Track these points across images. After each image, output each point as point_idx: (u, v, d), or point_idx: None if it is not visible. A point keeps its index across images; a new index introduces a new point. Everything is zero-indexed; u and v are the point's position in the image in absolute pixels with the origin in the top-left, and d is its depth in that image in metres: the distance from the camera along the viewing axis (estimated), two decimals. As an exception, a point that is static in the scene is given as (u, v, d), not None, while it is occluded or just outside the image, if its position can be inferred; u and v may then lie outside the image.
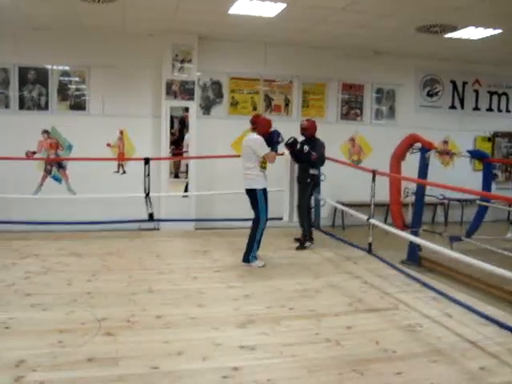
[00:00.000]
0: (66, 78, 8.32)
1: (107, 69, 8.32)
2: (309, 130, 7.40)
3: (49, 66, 8.24)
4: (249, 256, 6.14)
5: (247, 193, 6.26)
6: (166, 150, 8.44)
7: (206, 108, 8.75)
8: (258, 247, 6.25)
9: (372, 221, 6.42)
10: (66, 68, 8.32)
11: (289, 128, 8.71)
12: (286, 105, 9.15)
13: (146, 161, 7.65)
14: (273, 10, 7.02)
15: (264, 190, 6.22)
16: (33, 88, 8.23)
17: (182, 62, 8.32)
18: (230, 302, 4.74)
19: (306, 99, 9.26)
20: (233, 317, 4.33)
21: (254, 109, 8.91)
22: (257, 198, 6.16)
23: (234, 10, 7.01)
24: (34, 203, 7.93)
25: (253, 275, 5.70)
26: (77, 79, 8.36)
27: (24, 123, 8.12)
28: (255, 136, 6.22)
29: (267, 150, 6.13)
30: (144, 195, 7.59)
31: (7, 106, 8.17)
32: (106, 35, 8.20)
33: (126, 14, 7.26)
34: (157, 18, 7.55)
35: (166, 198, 8.37)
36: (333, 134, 9.04)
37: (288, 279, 5.58)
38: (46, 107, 8.26)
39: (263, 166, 6.22)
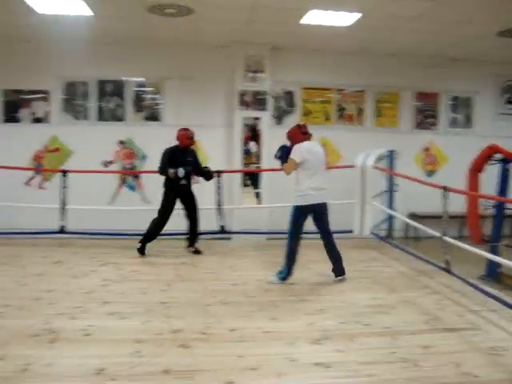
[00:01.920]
0: (142, 90, 8.58)
1: (181, 80, 8.54)
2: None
3: (125, 79, 8.54)
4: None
5: (322, 207, 5.91)
6: (238, 160, 8.53)
7: (279, 118, 8.78)
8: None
9: (445, 238, 6.13)
10: (142, 80, 8.58)
11: (361, 137, 8.70)
12: (359, 114, 9.03)
13: (218, 173, 7.76)
14: (347, 20, 6.99)
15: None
16: (110, 100, 8.55)
17: (255, 72, 8.39)
18: (303, 316, 4.69)
19: (378, 108, 9.12)
20: (307, 332, 4.28)
21: (327, 118, 8.87)
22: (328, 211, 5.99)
23: (306, 20, 7.02)
24: (110, 211, 8.23)
25: (325, 289, 5.64)
26: (152, 91, 8.61)
27: (101, 134, 8.45)
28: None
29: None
30: (216, 207, 7.69)
31: (86, 118, 8.52)
32: (179, 47, 8.44)
33: (200, 26, 7.44)
34: (230, 30, 7.67)
35: (238, 209, 8.44)
36: (407, 144, 8.91)
37: (361, 293, 5.48)
38: (123, 118, 8.55)
39: None
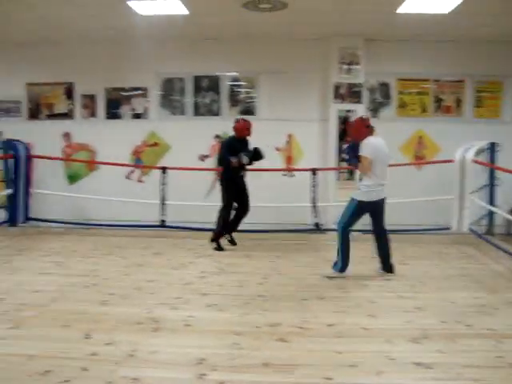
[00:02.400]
0: (236, 85, 8.71)
1: (275, 74, 8.58)
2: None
3: (220, 74, 8.69)
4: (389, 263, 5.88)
5: (382, 203, 5.74)
6: (333, 154, 8.44)
7: (374, 110, 8.62)
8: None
9: None
10: (236, 75, 8.71)
11: (460, 130, 8.35)
12: (457, 105, 8.68)
13: (313, 171, 7.74)
14: (446, 7, 6.71)
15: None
16: (206, 95, 8.74)
17: (349, 64, 8.28)
18: (401, 313, 4.60)
19: (479, 98, 8.70)
20: (405, 330, 4.19)
21: (423, 110, 8.60)
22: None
23: (402, 9, 6.82)
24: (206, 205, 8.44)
25: (424, 285, 5.49)
26: (246, 85, 8.72)
27: (198, 129, 8.66)
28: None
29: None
30: (311, 205, 7.68)
31: (183, 113, 8.77)
32: (273, 41, 8.46)
33: (293, 20, 7.41)
34: (324, 22, 7.60)
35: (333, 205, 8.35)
36: (509, 135, 8.42)
37: (461, 292, 5.28)
38: (218, 113, 8.72)
39: None
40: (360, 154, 5.60)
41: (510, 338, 4.05)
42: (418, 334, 4.09)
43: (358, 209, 5.68)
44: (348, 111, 8.80)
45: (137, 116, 8.88)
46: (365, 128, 5.76)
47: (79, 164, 8.95)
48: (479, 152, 7.73)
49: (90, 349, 3.73)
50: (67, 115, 8.98)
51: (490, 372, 3.46)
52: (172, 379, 3.36)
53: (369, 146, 5.59)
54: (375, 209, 5.74)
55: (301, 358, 3.66)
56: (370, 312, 4.62)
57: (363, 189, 5.64)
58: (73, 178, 9.00)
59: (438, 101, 8.68)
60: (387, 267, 5.91)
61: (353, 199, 5.70)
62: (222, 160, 7.14)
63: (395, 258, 6.40)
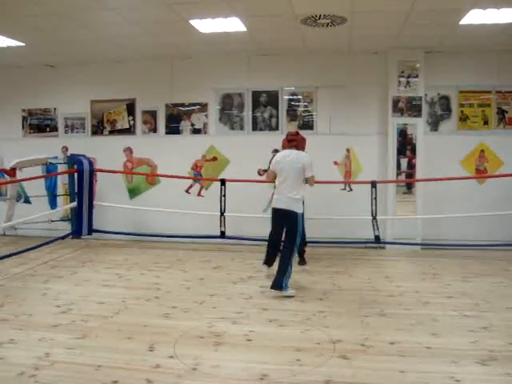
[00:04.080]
0: (295, 99, 8.75)
1: (333, 88, 8.58)
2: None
3: (278, 89, 8.76)
4: (282, 283, 5.55)
5: (282, 213, 5.78)
6: (393, 168, 8.33)
7: (433, 124, 8.47)
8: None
9: None
10: (294, 90, 8.75)
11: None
12: (523, 117, 8.42)
13: (373, 184, 7.69)
14: (510, 16, 6.54)
15: (303, 215, 5.92)
16: (264, 110, 8.82)
17: (408, 77, 8.18)
18: (466, 332, 4.47)
19: (547, 110, 8.41)
20: (471, 350, 4.07)
21: (485, 123, 8.39)
22: (296, 221, 5.73)
23: (465, 20, 6.70)
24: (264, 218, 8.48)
25: (489, 304, 5.30)
26: (304, 100, 8.75)
27: (256, 143, 8.73)
28: (304, 154, 5.91)
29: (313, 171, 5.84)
30: (371, 218, 7.63)
31: (242, 128, 8.88)
32: (331, 56, 8.48)
33: (352, 34, 7.40)
34: (382, 36, 7.54)
35: (393, 219, 8.28)
36: None
37: (531, 312, 5.10)
38: (277, 128, 8.78)
39: None
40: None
41: None
42: (485, 356, 3.96)
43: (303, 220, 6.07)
44: (405, 125, 8.67)
45: (196, 131, 9.04)
46: (286, 141, 6.13)
47: (140, 178, 9.18)
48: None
49: (153, 361, 3.83)
50: (129, 131, 9.25)
51: None
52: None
53: (273, 159, 6.01)
54: (275, 217, 5.97)
55: (363, 376, 3.63)
56: (433, 330, 4.52)
57: (302, 200, 5.86)
58: (133, 192, 9.24)
59: (502, 112, 8.45)
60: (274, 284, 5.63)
61: (299, 214, 5.79)
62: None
63: (459, 274, 6.27)
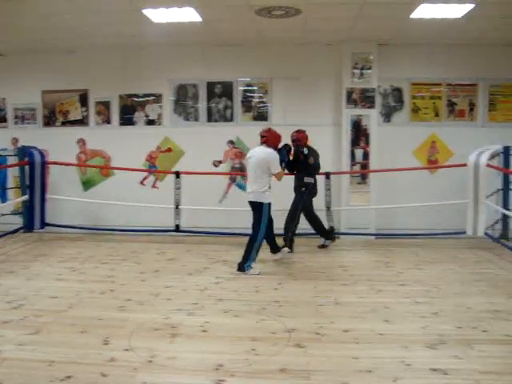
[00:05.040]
0: (249, 90, 8.76)
1: (288, 80, 8.61)
2: (300, 142, 7.15)
3: (233, 80, 8.74)
4: (244, 265, 6.17)
5: (251, 204, 6.30)
6: (347, 159, 8.47)
7: (387, 115, 8.62)
8: (256, 257, 6.32)
9: None
10: (249, 81, 8.76)
11: (474, 134, 8.34)
12: (471, 109, 8.66)
13: (327, 175, 7.80)
14: (459, 11, 6.72)
15: (269, 205, 6.25)
16: (219, 101, 8.79)
17: (362, 69, 8.29)
18: (417, 319, 4.60)
19: (493, 102, 8.67)
20: (422, 335, 4.20)
21: (436, 114, 8.60)
22: (261, 212, 6.18)
23: (416, 14, 6.84)
24: (220, 210, 8.53)
25: (439, 291, 5.47)
26: (259, 91, 8.76)
27: (211, 134, 8.72)
28: (269, 150, 6.29)
29: (279, 167, 6.28)
30: (325, 208, 7.75)
31: (196, 119, 8.83)
32: (286, 47, 8.51)
33: (307, 26, 7.45)
34: (336, 28, 7.63)
35: (347, 209, 8.42)
36: (524, 139, 8.40)
37: (477, 297, 5.26)
38: (231, 119, 8.77)
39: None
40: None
41: (526, 344, 4.04)
42: (435, 340, 4.09)
43: (269, 209, 6.35)
44: (359, 116, 8.80)
45: (150, 122, 8.94)
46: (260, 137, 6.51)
47: (94, 170, 9.03)
48: (493, 156, 7.71)
49: (108, 354, 3.79)
50: (82, 122, 9.08)
51: (508, 379, 3.45)
52: (190, 385, 3.41)
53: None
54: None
55: (317, 363, 3.69)
56: (385, 317, 4.63)
57: (268, 192, 6.30)
58: (87, 185, 9.08)
59: (451, 105, 8.67)
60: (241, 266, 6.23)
61: (265, 203, 6.26)
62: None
63: (411, 262, 6.43)
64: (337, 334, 4.25)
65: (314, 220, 7.39)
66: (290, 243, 7.00)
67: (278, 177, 6.31)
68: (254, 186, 6.25)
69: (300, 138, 7.24)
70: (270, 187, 6.26)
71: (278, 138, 6.53)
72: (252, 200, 6.28)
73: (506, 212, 7.72)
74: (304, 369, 3.60)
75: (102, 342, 4.02)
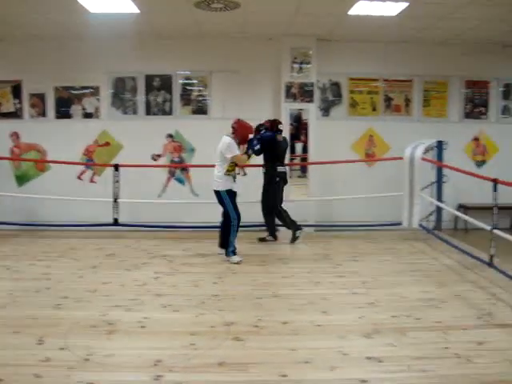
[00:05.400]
0: (189, 84, 8.70)
1: (228, 73, 8.60)
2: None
3: (172, 73, 8.66)
4: (227, 253, 6.47)
5: (214, 193, 6.49)
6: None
7: (325, 110, 8.76)
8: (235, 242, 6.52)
9: (495, 232, 5.77)
10: (189, 74, 8.70)
11: (409, 129, 8.60)
12: (406, 105, 8.91)
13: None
14: (394, 9, 6.89)
15: (228, 191, 6.43)
16: (158, 94, 8.69)
17: (301, 64, 8.38)
18: (354, 309, 4.71)
19: (427, 98, 8.96)
20: (358, 325, 4.30)
21: (374, 109, 8.81)
22: (222, 198, 6.42)
23: (353, 11, 6.97)
24: (159, 204, 8.46)
25: (375, 281, 5.62)
26: (199, 84, 8.72)
27: (150, 128, 8.63)
28: (226, 138, 6.43)
29: (236, 153, 6.38)
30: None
31: (135, 112, 8.70)
32: (225, 41, 8.49)
33: (246, 19, 7.46)
34: (276, 23, 7.67)
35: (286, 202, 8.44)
36: (456, 134, 8.78)
37: (411, 287, 5.44)
38: (170, 112, 8.69)
39: (229, 170, 6.40)
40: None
41: (455, 330, 4.21)
42: (370, 329, 4.20)
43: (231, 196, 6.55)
44: (300, 110, 8.92)
45: (88, 115, 8.74)
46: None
47: (28, 165, 8.75)
48: (427, 150, 7.97)
49: (43, 354, 3.67)
50: (15, 114, 8.75)
51: (438, 363, 3.59)
52: (128, 382, 3.37)
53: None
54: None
55: (256, 356, 3.71)
56: (323, 309, 4.71)
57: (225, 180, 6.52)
58: (22, 179, 8.79)
59: (388, 100, 8.89)
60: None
61: (225, 191, 6.47)
62: None
63: (349, 254, 6.58)
64: (275, 326, 4.29)
65: (275, 213, 7.49)
66: (294, 226, 7.43)
67: (239, 161, 6.48)
68: (214, 174, 6.46)
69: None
70: (227, 175, 6.40)
71: (246, 128, 6.60)
72: (213, 188, 6.47)
73: (440, 204, 7.99)
74: (242, 362, 3.61)
75: (37, 342, 3.89)
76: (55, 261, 6.51)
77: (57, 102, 8.71)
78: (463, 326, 4.33)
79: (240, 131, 6.51)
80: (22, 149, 8.76)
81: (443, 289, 5.39)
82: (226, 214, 6.51)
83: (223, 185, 6.40)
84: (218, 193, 6.42)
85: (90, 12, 6.87)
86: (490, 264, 5.90)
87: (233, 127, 6.53)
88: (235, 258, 6.41)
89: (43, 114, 8.74)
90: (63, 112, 8.74)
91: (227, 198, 6.41)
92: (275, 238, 7.61)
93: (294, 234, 7.48)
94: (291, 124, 8.96)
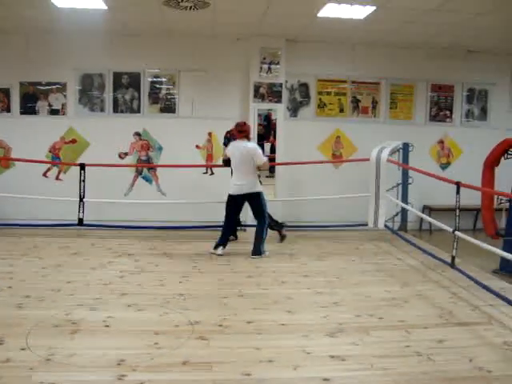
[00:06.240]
0: (157, 82, 8.65)
1: (196, 72, 8.59)
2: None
3: (140, 71, 8.60)
4: (260, 249, 6.68)
5: (245, 197, 6.63)
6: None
7: (294, 110, 8.81)
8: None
9: (457, 233, 5.95)
10: (157, 72, 8.65)
11: (376, 130, 8.72)
12: (374, 107, 9.02)
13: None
14: (362, 13, 6.99)
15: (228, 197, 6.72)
16: (126, 92, 8.63)
17: (270, 64, 8.42)
18: (318, 308, 4.76)
19: (393, 101, 9.09)
20: (322, 325, 4.35)
21: (341, 110, 8.90)
22: (260, 200, 6.67)
23: (322, 13, 7.03)
24: (126, 203, 8.39)
25: (340, 281, 5.69)
26: (167, 83, 8.68)
27: (117, 126, 8.56)
28: (250, 144, 6.67)
29: (264, 158, 6.69)
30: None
31: (102, 110, 8.61)
32: (195, 40, 8.48)
33: (215, 19, 7.46)
34: (245, 23, 7.69)
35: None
36: (421, 136, 8.95)
37: (375, 286, 5.52)
38: (138, 110, 8.64)
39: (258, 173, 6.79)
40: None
41: (417, 329, 4.29)
42: (334, 328, 4.25)
43: (227, 201, 6.74)
44: (270, 110, 8.96)
45: (54, 112, 8.61)
46: (237, 133, 6.71)
47: (-9, 161, 8.56)
48: (393, 152, 8.09)
49: (2, 355, 3.59)
50: (-22, 110, 8.58)
51: (399, 361, 3.66)
52: (90, 382, 3.32)
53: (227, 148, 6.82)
54: (237, 202, 6.71)
55: (220, 355, 3.71)
56: (288, 308, 4.74)
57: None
58: (-16, 176, 8.61)
59: (356, 101, 8.99)
60: (256, 250, 6.71)
61: (261, 193, 6.75)
62: None
63: (314, 254, 6.64)
64: (240, 325, 4.30)
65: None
66: (278, 226, 7.54)
67: (266, 166, 6.95)
68: (242, 178, 6.57)
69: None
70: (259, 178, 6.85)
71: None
72: (246, 192, 6.57)
73: (405, 206, 8.12)
74: (206, 361, 3.61)
75: (-3, 342, 3.84)
76: (18, 259, 6.38)
77: (22, 97, 8.55)
78: (424, 324, 4.41)
79: (249, 133, 6.77)
80: (-15, 145, 8.58)
81: (406, 288, 5.48)
82: (258, 215, 6.75)
83: (260, 187, 6.72)
84: (257, 195, 6.63)
85: (57, 6, 6.77)
86: (452, 265, 6.04)
87: (244, 130, 6.65)
88: (267, 252, 6.76)
89: (8, 109, 8.56)
90: (29, 108, 8.58)
91: (264, 199, 6.71)
92: (236, 237, 7.58)
93: (280, 234, 7.56)
94: (260, 124, 8.99)
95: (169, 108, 8.64)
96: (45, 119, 8.59)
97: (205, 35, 8.36)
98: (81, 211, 7.79)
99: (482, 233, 7.17)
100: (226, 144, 7.17)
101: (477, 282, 5.46)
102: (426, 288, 5.51)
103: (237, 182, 6.61)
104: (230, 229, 6.91)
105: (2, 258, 6.45)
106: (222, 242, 6.75)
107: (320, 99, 8.89)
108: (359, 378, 3.43)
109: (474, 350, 3.88)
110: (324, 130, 8.87)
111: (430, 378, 3.43)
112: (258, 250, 6.65)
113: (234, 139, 6.83)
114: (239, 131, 6.64)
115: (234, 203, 6.70)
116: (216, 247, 6.70)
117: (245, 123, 6.80)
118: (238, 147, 6.63)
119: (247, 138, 6.66)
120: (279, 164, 8.62)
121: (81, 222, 7.83)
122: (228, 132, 7.34)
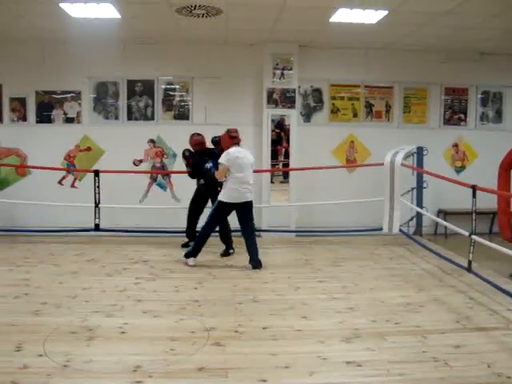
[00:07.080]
0: (171, 89, 8.71)
1: (209, 79, 8.62)
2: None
3: (154, 78, 8.66)
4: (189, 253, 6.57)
5: (244, 205, 6.38)
6: (267, 158, 8.60)
7: (307, 115, 8.81)
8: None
9: (474, 237, 5.87)
10: (171, 79, 8.70)
11: (390, 135, 8.69)
12: (387, 111, 9.00)
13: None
14: (374, 17, 6.97)
15: (220, 202, 6.45)
16: (140, 99, 8.68)
17: (283, 69, 8.43)
18: (334, 314, 4.75)
19: (407, 104, 9.06)
20: (338, 330, 4.34)
21: (355, 115, 8.88)
22: (252, 208, 6.51)
23: (335, 18, 7.03)
24: (140, 209, 8.43)
25: (356, 287, 5.67)
26: (181, 90, 8.72)
27: (131, 133, 8.62)
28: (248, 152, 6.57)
29: None
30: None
31: (117, 117, 8.68)
32: (207, 47, 8.52)
33: (228, 26, 7.49)
34: (258, 29, 7.71)
35: (268, 207, 8.54)
36: (435, 140, 8.88)
37: (391, 292, 5.50)
38: (152, 117, 8.69)
39: None
40: (219, 161, 6.33)
41: (433, 334, 4.27)
42: (350, 334, 4.24)
43: (220, 208, 6.42)
44: (283, 116, 8.97)
45: (69, 120, 8.69)
46: (229, 139, 6.46)
47: (8, 170, 8.66)
48: (407, 156, 8.06)
49: (20, 361, 3.64)
50: (-5, 119, 8.68)
51: (416, 366, 3.64)
52: (107, 388, 3.36)
53: (225, 155, 6.30)
54: (239, 209, 6.43)
55: (235, 361, 3.72)
56: (303, 314, 4.74)
57: (225, 191, 6.38)
58: (1, 184, 8.69)
59: (369, 106, 8.97)
60: (256, 262, 6.43)
61: (218, 201, 6.43)
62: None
63: (329, 259, 6.61)
64: (255, 331, 4.30)
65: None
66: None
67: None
68: (246, 187, 6.37)
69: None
70: None
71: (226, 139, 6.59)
72: (246, 200, 6.39)
73: (420, 210, 8.08)
74: (222, 367, 3.62)
75: (14, 349, 3.86)
76: (35, 266, 6.45)
77: (38, 106, 8.64)
78: (441, 330, 4.38)
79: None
80: (2, 154, 8.67)
81: (422, 293, 5.45)
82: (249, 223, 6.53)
83: (221, 195, 6.45)
84: (251, 203, 6.47)
85: (71, 17, 6.85)
86: (469, 269, 5.98)
87: (237, 137, 6.50)
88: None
89: (24, 118, 8.66)
90: (44, 116, 8.67)
91: (216, 207, 6.49)
92: (233, 249, 7.27)
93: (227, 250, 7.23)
94: (273, 130, 9.01)
95: (183, 115, 8.69)
96: (60, 127, 8.66)
97: (217, 42, 8.40)
98: (97, 217, 7.84)
99: (498, 237, 7.11)
100: (190, 158, 7.17)
101: (495, 286, 5.40)
102: (443, 293, 5.46)
103: (243, 189, 6.34)
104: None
105: (19, 265, 6.51)
106: (195, 252, 6.59)
107: (333, 104, 8.88)
108: (375, 383, 3.42)
109: (492, 355, 3.84)
110: (337, 135, 8.85)
111: (447, 383, 3.41)
112: (189, 253, 6.56)
113: (221, 149, 6.54)
114: (233, 137, 6.43)
115: (229, 211, 6.52)
116: (188, 256, 6.59)
117: (236, 130, 6.58)
118: (243, 153, 6.42)
119: (238, 144, 6.49)
120: (293, 169, 8.63)
121: (97, 227, 7.88)
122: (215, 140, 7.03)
